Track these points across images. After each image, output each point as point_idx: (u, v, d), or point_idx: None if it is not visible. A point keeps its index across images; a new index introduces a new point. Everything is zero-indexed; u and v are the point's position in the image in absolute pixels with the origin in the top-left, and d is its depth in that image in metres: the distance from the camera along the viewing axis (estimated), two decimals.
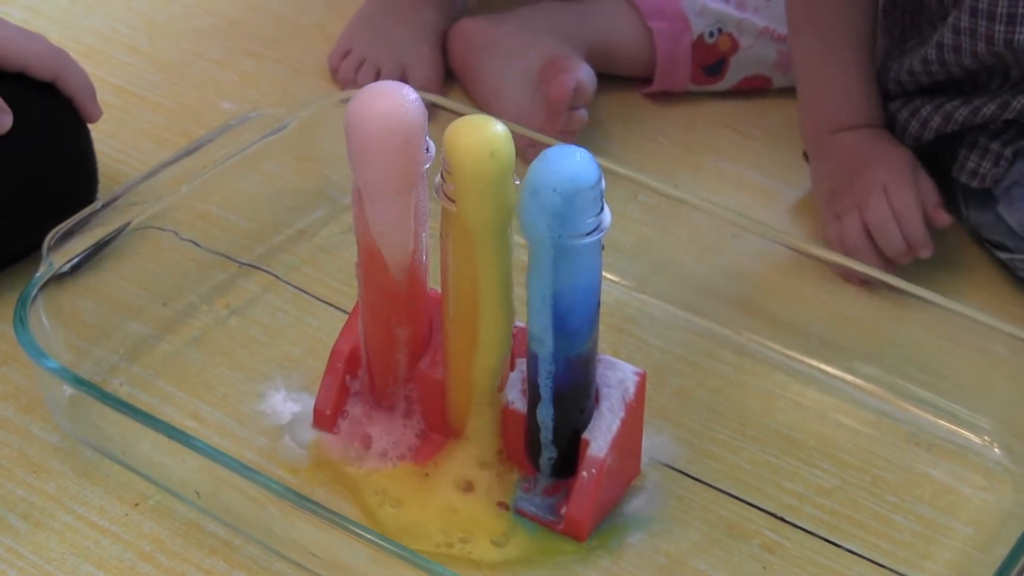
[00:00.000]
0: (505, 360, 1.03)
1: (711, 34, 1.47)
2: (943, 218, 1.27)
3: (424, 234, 1.02)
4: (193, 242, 1.25)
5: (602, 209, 0.93)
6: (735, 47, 1.48)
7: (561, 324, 0.96)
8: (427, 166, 0.99)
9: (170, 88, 1.50)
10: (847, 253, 1.24)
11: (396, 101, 0.96)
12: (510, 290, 1.00)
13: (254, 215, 1.30)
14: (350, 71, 1.49)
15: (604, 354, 1.03)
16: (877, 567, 1.03)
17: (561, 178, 0.91)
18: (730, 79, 1.50)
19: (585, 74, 1.38)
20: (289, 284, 1.24)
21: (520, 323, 1.01)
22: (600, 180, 0.92)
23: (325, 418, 1.09)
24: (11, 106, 1.18)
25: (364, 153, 0.97)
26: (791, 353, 1.18)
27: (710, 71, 1.49)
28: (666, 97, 1.50)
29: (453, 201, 0.95)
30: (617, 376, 1.03)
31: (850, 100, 1.32)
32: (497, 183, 0.94)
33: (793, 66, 1.36)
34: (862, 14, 1.31)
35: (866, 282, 1.20)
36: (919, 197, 1.26)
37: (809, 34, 1.33)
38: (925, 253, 1.24)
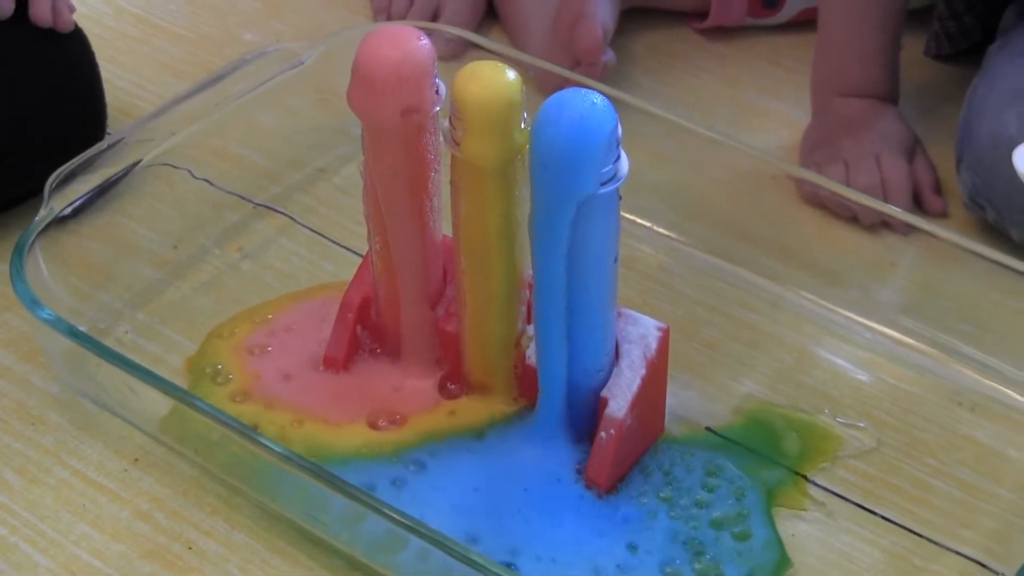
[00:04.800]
0: (520, 311, 0.98)
1: None
2: (937, 203, 1.23)
3: (436, 178, 0.97)
4: (207, 181, 1.21)
5: (619, 157, 0.88)
6: None
7: (575, 279, 0.91)
8: (437, 108, 0.94)
9: (191, 18, 1.46)
10: (821, 201, 1.20)
11: (404, 46, 0.91)
12: (522, 238, 0.94)
13: (272, 153, 1.25)
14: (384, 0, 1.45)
15: (625, 308, 0.98)
16: (912, 535, 0.97)
17: (573, 124, 0.85)
18: (788, 11, 1.44)
19: (604, 13, 1.32)
20: (305, 227, 1.20)
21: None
22: (616, 127, 0.86)
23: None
24: (11, 38, 1.13)
25: (370, 97, 0.92)
26: (828, 304, 1.12)
27: (768, 3, 1.43)
28: (708, 31, 1.43)
29: (459, 145, 0.90)
30: (639, 332, 0.98)
31: (868, 66, 1.27)
32: (504, 125, 0.89)
33: (819, 20, 1.29)
34: None
35: (911, 230, 1.13)
36: (913, 175, 1.22)
37: None
38: (901, 231, 1.17)
